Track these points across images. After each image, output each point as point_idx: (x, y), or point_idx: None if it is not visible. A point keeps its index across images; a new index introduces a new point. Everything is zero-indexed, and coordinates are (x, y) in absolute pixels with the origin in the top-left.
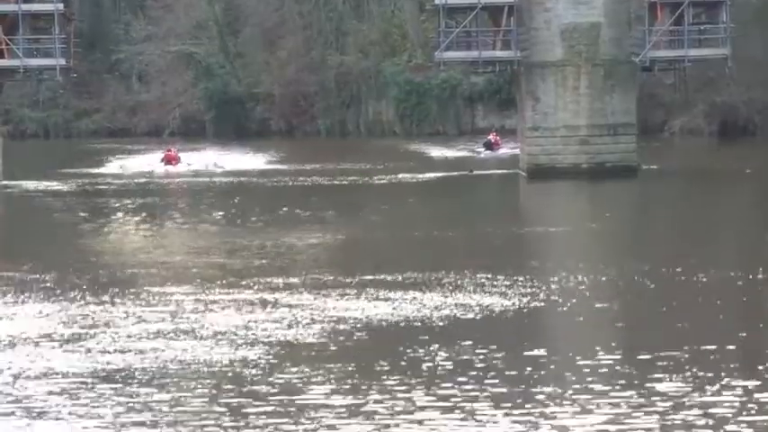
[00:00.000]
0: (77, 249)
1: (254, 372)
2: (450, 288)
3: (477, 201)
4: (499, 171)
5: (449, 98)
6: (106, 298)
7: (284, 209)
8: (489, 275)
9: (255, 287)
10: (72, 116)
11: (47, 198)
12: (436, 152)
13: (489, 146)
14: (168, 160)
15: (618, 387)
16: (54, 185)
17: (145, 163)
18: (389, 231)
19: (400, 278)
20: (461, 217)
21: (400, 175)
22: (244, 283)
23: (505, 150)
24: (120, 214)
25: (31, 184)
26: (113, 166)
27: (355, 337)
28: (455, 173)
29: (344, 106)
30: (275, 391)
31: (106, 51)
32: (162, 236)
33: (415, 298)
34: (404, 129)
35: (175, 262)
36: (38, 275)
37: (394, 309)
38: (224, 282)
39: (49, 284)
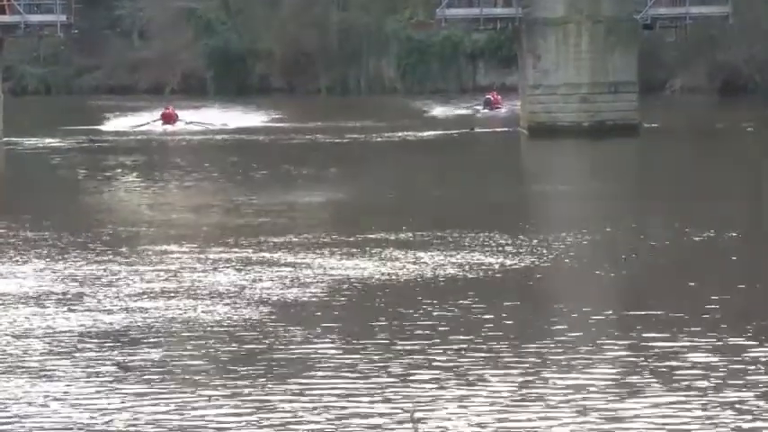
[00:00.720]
0: (77, 207)
1: (253, 332)
2: (451, 247)
3: (478, 159)
4: (500, 129)
5: (450, 55)
6: (106, 256)
7: (285, 167)
8: (490, 235)
9: (256, 246)
10: (73, 73)
11: (47, 155)
12: (437, 110)
13: (489, 104)
14: (166, 119)
15: (615, 347)
16: (54, 142)
17: (141, 121)
18: (390, 190)
19: (401, 237)
20: (462, 175)
21: (401, 133)
22: (244, 241)
23: (505, 109)
24: (120, 171)
25: (31, 141)
26: (111, 125)
27: (355, 297)
28: (456, 131)
29: (345, 64)
30: (275, 349)
31: (107, 7)
32: (162, 194)
33: (415, 257)
34: (405, 86)
35: (175, 220)
36: (38, 233)
37: (394, 268)
38: (224, 240)
39: (48, 242)
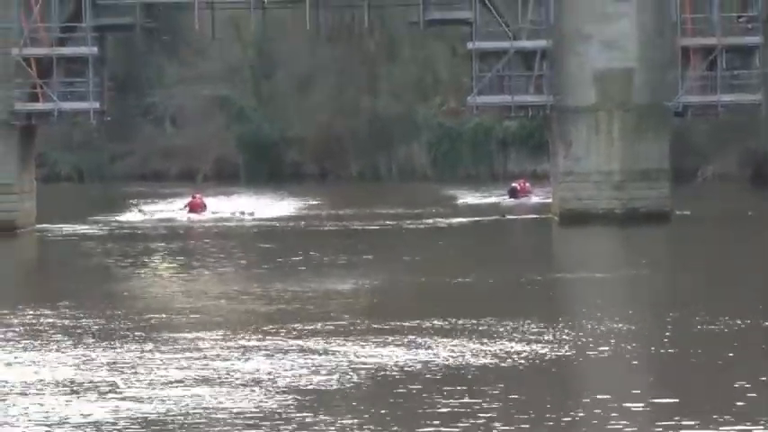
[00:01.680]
0: (110, 294)
1: (280, 421)
2: (484, 335)
3: (510, 246)
4: (531, 216)
5: (482, 142)
6: (140, 344)
7: (317, 254)
8: (522, 322)
9: (285, 333)
10: (106, 159)
11: (79, 242)
12: (468, 196)
13: (514, 193)
14: (192, 208)
15: None
16: (86, 229)
17: (167, 209)
18: (421, 276)
19: (433, 324)
20: (493, 262)
21: (432, 220)
22: (273, 328)
23: (533, 198)
24: (149, 259)
25: (64, 228)
26: (134, 213)
27: (387, 386)
28: (487, 218)
29: (376, 150)
30: None
31: (140, 95)
32: (193, 281)
33: (447, 345)
34: (436, 173)
35: (205, 307)
36: (73, 320)
37: (426, 356)
38: (254, 327)
39: (79, 329)
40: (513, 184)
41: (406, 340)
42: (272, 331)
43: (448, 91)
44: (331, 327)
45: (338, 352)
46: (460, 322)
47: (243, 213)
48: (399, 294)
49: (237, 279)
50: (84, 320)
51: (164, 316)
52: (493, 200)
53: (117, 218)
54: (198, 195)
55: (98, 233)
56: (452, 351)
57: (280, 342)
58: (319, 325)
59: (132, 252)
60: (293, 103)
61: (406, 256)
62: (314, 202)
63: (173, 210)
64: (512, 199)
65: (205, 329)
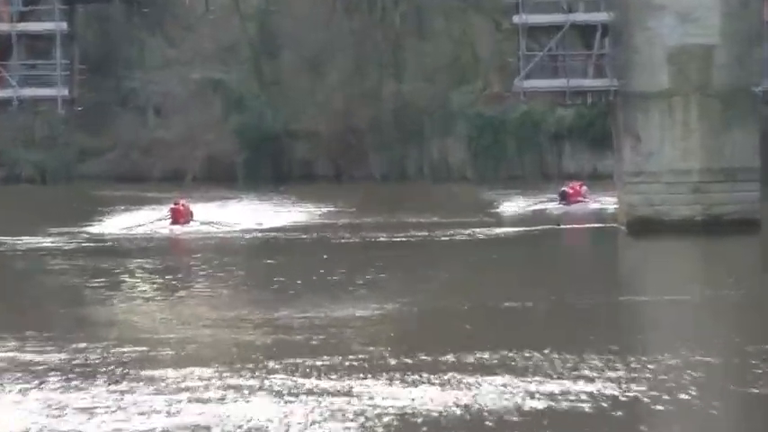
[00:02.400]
0: (84, 322)
1: None
2: (534, 371)
3: (566, 262)
4: (593, 225)
5: (531, 136)
6: (122, 384)
7: (332, 272)
8: (581, 356)
9: (290, 370)
10: (75, 157)
11: (42, 257)
12: (515, 201)
13: (565, 197)
14: (175, 217)
15: None
16: (51, 243)
17: (148, 218)
18: (458, 300)
19: (472, 359)
20: (547, 282)
21: (471, 230)
22: (277, 364)
23: (591, 204)
24: (127, 278)
25: (24, 241)
26: (110, 223)
27: None
28: (538, 227)
29: (404, 145)
30: None
31: (117, 79)
32: (177, 305)
33: (490, 383)
34: (476, 172)
35: (194, 337)
36: (42, 355)
37: (465, 398)
38: (254, 363)
39: (43, 365)
40: (564, 188)
41: (442, 379)
42: (277, 368)
43: (490, 73)
44: (350, 362)
45: (360, 393)
46: (509, 356)
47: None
48: (433, 322)
49: (234, 303)
50: (49, 354)
51: (145, 348)
52: (541, 206)
53: (87, 229)
54: (182, 202)
55: (65, 247)
56: (499, 391)
57: (287, 381)
58: (336, 360)
59: (106, 270)
60: (302, 88)
61: (440, 275)
62: (327, 209)
63: (152, 220)
64: (562, 204)
65: (195, 365)
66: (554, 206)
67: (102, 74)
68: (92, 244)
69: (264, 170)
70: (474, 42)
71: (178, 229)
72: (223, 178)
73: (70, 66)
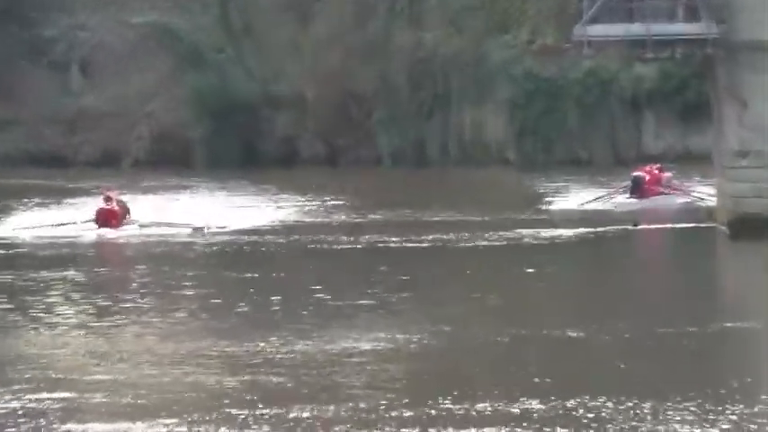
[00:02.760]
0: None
1: None
2: (600, 426)
3: (647, 276)
4: (683, 225)
5: (597, 102)
6: None
7: (324, 290)
8: (668, 403)
9: (270, 424)
10: None
11: None
12: (574, 193)
13: (638, 187)
14: (103, 218)
15: None
16: None
17: (66, 218)
18: (497, 328)
19: (514, 410)
20: (620, 304)
21: (514, 232)
22: (251, 415)
23: (672, 197)
24: (44, 300)
25: None
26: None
27: None
28: (607, 228)
29: (422, 116)
30: None
31: (27, 26)
32: (118, 336)
33: None
34: (522, 153)
35: (142, 380)
36: None
37: None
38: (219, 415)
39: None
40: (637, 173)
41: None
42: (249, 421)
43: (541, 19)
44: (349, 413)
45: None
46: (570, 405)
47: (199, 230)
48: (462, 358)
49: (190, 332)
50: None
51: (71, 395)
52: (606, 199)
53: None
54: (112, 195)
55: None
56: None
57: None
58: (326, 409)
59: (11, 287)
60: (283, 38)
61: (474, 293)
62: (317, 204)
63: (74, 221)
64: (634, 197)
65: (140, 417)
66: (623, 199)
67: (7, 20)
68: (6, 251)
69: (231, 150)
70: None
71: (108, 233)
72: (175, 161)
73: None
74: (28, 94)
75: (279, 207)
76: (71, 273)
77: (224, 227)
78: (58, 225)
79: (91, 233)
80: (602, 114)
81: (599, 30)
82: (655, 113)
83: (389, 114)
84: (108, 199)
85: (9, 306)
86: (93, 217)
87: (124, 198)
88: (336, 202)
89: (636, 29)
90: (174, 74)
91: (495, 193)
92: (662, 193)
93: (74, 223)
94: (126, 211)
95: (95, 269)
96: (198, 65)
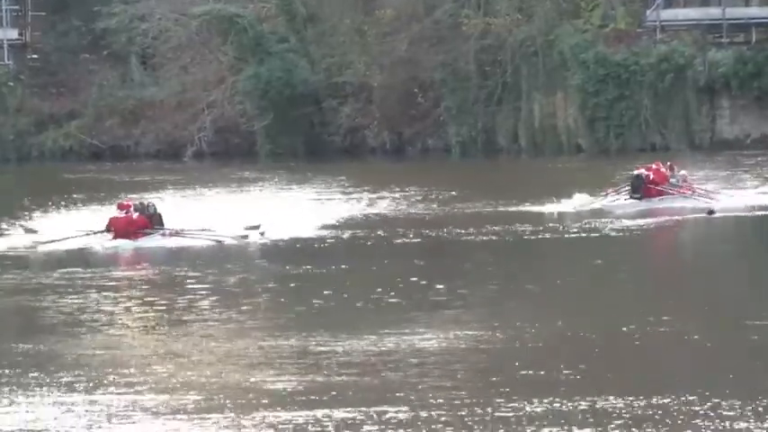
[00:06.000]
0: (52, 356)
1: None
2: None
3: (729, 270)
4: (762, 213)
5: (671, 88)
6: None
7: (387, 285)
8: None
9: (320, 424)
10: (30, 126)
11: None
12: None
13: (640, 186)
14: (118, 228)
15: None
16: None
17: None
18: (567, 324)
19: (606, 402)
20: (707, 295)
21: (585, 223)
22: (299, 417)
23: (709, 199)
24: (103, 301)
25: None
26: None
27: None
28: (685, 217)
29: (491, 104)
30: None
31: (87, 17)
32: (172, 336)
33: None
34: (594, 141)
35: (192, 380)
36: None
37: None
38: (267, 414)
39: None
40: (640, 170)
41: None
42: (296, 420)
43: (612, 3)
44: (405, 413)
45: None
46: (662, 401)
47: (252, 230)
48: (522, 357)
49: (240, 333)
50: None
51: (132, 391)
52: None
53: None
54: (128, 202)
55: (32, 257)
56: None
57: None
58: (373, 409)
59: (79, 288)
60: (349, 27)
61: (536, 287)
62: (384, 194)
63: (86, 232)
64: (634, 198)
65: (191, 414)
66: (615, 199)
67: (65, 13)
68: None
69: (295, 141)
70: None
71: (124, 244)
72: (238, 153)
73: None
74: (88, 87)
75: (340, 200)
76: (147, 271)
77: (263, 233)
78: (67, 239)
79: (100, 244)
80: (675, 100)
81: (672, 14)
82: (730, 100)
83: (457, 103)
84: (124, 207)
85: (68, 307)
86: (107, 227)
87: (149, 204)
88: (399, 196)
89: (711, 12)
90: (237, 64)
91: (567, 182)
92: (667, 194)
93: (87, 234)
94: (147, 218)
95: (166, 269)
96: (261, 55)
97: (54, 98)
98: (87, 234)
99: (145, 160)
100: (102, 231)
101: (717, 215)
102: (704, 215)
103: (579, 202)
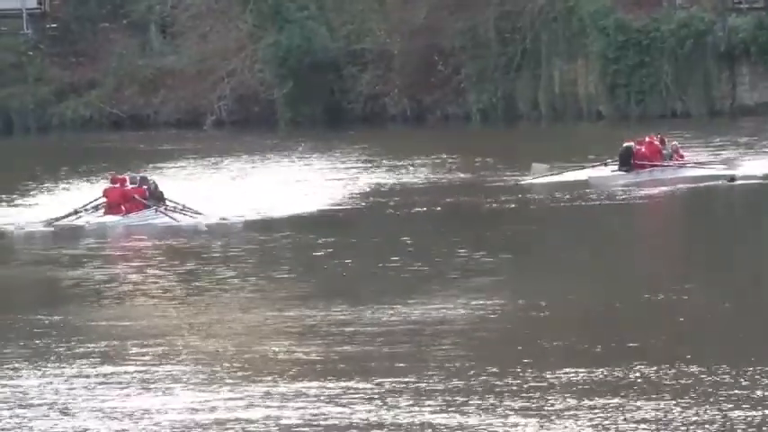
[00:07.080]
0: (84, 322)
1: None
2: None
3: (754, 234)
4: None
5: (691, 54)
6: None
7: (411, 254)
8: None
9: (350, 394)
10: (50, 95)
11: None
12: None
13: (628, 159)
14: (113, 200)
15: None
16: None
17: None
18: (602, 292)
19: (623, 374)
20: (728, 265)
21: (608, 189)
22: (329, 388)
23: (672, 170)
24: (135, 275)
25: None
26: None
27: None
28: (708, 184)
29: (511, 71)
30: None
31: None
32: (203, 307)
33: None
34: (614, 107)
35: (220, 351)
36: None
37: None
38: (298, 385)
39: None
40: (628, 143)
41: (573, 415)
42: (325, 392)
43: None
44: (429, 385)
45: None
46: (690, 369)
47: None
48: (555, 325)
49: (268, 303)
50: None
51: (160, 362)
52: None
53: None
54: (124, 176)
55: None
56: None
57: (337, 412)
58: (410, 381)
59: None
60: None
61: (569, 255)
62: (405, 162)
63: (83, 206)
64: (623, 171)
65: (217, 382)
66: (609, 172)
67: None
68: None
69: (315, 109)
70: None
71: (115, 220)
72: (258, 121)
73: None
74: (108, 56)
75: (360, 168)
76: (170, 248)
77: (241, 219)
78: (60, 219)
79: (92, 219)
80: (696, 66)
81: None
82: (750, 66)
83: (477, 70)
84: (117, 181)
85: (98, 278)
86: (102, 199)
87: (147, 179)
88: (421, 163)
89: None
90: (256, 32)
91: (589, 149)
92: (658, 167)
93: (79, 213)
94: (143, 194)
95: (191, 246)
96: (280, 23)
97: (74, 67)
98: (85, 209)
99: (164, 129)
100: (91, 206)
101: (737, 182)
102: (724, 182)
103: (536, 170)
